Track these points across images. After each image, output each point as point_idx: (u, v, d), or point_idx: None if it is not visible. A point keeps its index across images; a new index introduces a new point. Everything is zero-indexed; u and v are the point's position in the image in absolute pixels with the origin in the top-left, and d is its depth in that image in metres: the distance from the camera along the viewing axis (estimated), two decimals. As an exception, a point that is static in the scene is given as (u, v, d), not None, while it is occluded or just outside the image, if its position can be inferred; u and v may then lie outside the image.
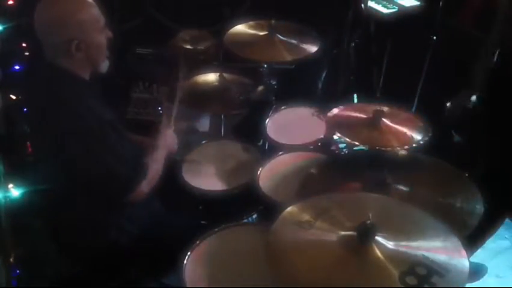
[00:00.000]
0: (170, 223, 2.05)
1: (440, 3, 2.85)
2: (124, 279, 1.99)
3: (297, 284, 1.29)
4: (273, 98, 2.54)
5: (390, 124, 1.88)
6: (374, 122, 1.89)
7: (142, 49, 3.67)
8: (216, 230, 1.84)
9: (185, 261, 1.70)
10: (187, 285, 1.64)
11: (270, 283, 1.48)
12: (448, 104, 2.73)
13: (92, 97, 1.83)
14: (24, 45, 3.02)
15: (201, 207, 2.24)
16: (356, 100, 3.30)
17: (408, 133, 1.80)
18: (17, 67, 3.01)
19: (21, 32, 2.77)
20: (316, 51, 2.40)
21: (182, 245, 1.75)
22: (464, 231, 1.54)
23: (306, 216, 1.43)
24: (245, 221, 2.19)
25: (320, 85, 3.55)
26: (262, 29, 2.48)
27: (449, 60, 3.00)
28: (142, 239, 1.96)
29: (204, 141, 2.46)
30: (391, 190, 1.75)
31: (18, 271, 2.32)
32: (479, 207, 1.68)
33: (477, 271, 2.37)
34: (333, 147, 2.23)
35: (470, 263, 1.29)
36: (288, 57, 2.37)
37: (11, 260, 2.25)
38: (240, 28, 2.56)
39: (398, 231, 1.36)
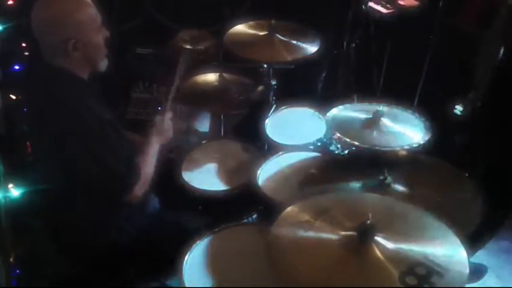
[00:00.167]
0: (170, 223, 2.05)
1: (440, 3, 2.85)
2: (124, 279, 1.99)
3: (297, 284, 1.29)
4: (273, 98, 2.54)
5: (390, 124, 1.88)
6: (374, 122, 1.89)
7: (142, 49, 3.68)
8: (216, 230, 1.84)
9: (185, 261, 1.70)
10: (187, 286, 1.64)
11: (270, 283, 1.48)
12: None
13: (91, 97, 1.83)
14: (24, 45, 3.02)
15: (200, 207, 2.24)
16: (356, 100, 3.29)
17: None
18: (17, 67, 3.00)
19: (21, 32, 2.76)
20: (316, 51, 2.40)
21: (182, 245, 1.75)
22: (464, 231, 1.54)
23: (306, 216, 1.43)
24: (245, 221, 2.19)
25: (320, 85, 3.55)
26: (262, 29, 2.48)
27: (449, 60, 3.01)
28: (142, 239, 1.96)
29: (204, 141, 2.46)
30: (391, 190, 1.75)
31: (18, 271, 2.32)
32: (479, 207, 1.68)
33: (477, 271, 2.37)
34: (333, 147, 2.23)
35: (470, 263, 1.29)
36: (288, 57, 2.37)
37: (11, 260, 2.25)
38: (240, 28, 2.55)
39: (398, 231, 1.36)
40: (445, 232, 1.37)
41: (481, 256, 2.37)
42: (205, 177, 2.21)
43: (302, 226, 1.40)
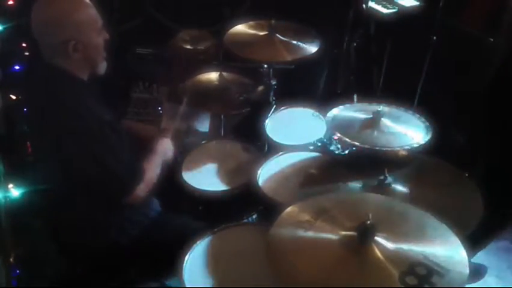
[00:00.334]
0: (170, 223, 2.05)
1: (440, 3, 2.85)
2: (124, 279, 1.99)
3: (297, 284, 1.29)
4: (273, 98, 2.54)
5: (390, 124, 1.88)
6: (374, 122, 1.89)
7: (142, 49, 3.67)
8: (216, 230, 1.84)
9: (185, 262, 1.70)
10: (187, 286, 1.64)
11: (270, 283, 1.48)
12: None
13: (90, 97, 1.83)
14: (24, 45, 3.02)
15: (201, 208, 2.24)
16: (356, 100, 3.29)
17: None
18: (17, 67, 3.01)
19: (21, 32, 2.77)
20: (317, 51, 2.40)
21: (182, 245, 1.75)
22: (464, 231, 1.54)
23: (306, 216, 1.43)
24: (245, 221, 2.19)
25: (320, 85, 3.55)
26: (262, 29, 2.47)
27: (449, 60, 3.01)
28: (142, 239, 1.96)
29: (204, 141, 2.46)
30: (391, 190, 1.75)
31: (18, 271, 2.32)
32: (479, 208, 1.68)
33: (477, 271, 2.36)
34: (333, 147, 2.23)
35: (470, 263, 1.29)
36: (288, 57, 2.37)
37: (11, 260, 2.25)
38: (240, 28, 2.55)
39: (398, 231, 1.36)
40: (445, 232, 1.37)
41: (481, 256, 2.37)
42: (205, 177, 2.21)
43: (302, 226, 1.40)
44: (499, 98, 2.69)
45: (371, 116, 1.91)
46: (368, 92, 3.27)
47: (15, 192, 2.37)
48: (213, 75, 2.72)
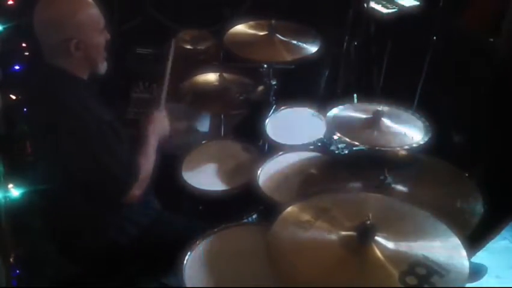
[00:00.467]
0: (170, 223, 2.05)
1: (440, 3, 2.85)
2: (124, 279, 1.99)
3: (297, 284, 1.29)
4: (273, 98, 2.54)
5: (390, 124, 1.88)
6: (374, 122, 1.89)
7: (142, 49, 3.67)
8: (216, 230, 1.84)
9: (185, 261, 1.70)
10: (187, 286, 1.64)
11: (270, 283, 1.48)
12: None
13: (90, 97, 1.83)
14: (24, 45, 3.02)
15: (201, 207, 2.24)
16: (356, 100, 3.30)
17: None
18: (17, 67, 3.01)
19: (21, 32, 2.77)
20: (317, 51, 2.40)
21: (182, 245, 1.75)
22: (464, 231, 1.54)
23: (306, 216, 1.43)
24: (245, 221, 2.19)
25: (320, 85, 3.55)
26: (262, 29, 2.48)
27: (449, 60, 3.01)
28: (142, 239, 1.96)
29: (204, 141, 2.46)
30: (391, 190, 1.75)
31: (18, 271, 2.32)
32: (479, 207, 1.68)
33: (477, 271, 2.36)
34: (333, 147, 2.23)
35: (470, 263, 1.29)
36: (288, 57, 2.37)
37: (11, 260, 2.25)
38: (240, 28, 2.55)
39: (398, 231, 1.36)
40: (445, 232, 1.37)
41: (481, 256, 2.37)
42: (205, 177, 2.21)
43: (302, 226, 1.40)
44: (499, 98, 2.69)
45: (371, 116, 1.91)
46: (368, 92, 3.27)
47: (15, 192, 2.36)
48: (213, 75, 2.72)
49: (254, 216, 2.24)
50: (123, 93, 3.38)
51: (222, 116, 2.90)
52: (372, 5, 3.06)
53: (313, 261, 1.33)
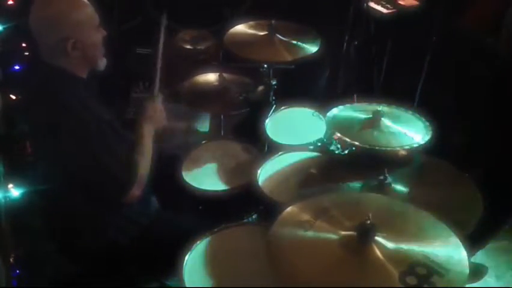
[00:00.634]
0: (170, 223, 2.05)
1: (440, 3, 2.85)
2: (124, 279, 1.99)
3: (297, 284, 1.29)
4: (273, 98, 2.54)
5: (390, 124, 1.88)
6: (374, 122, 1.89)
7: (142, 49, 3.67)
8: (216, 230, 1.84)
9: (185, 261, 1.70)
10: (187, 285, 1.64)
11: (270, 283, 1.48)
12: None
13: (89, 96, 1.83)
14: (24, 45, 3.02)
15: (201, 207, 2.24)
16: (356, 100, 3.30)
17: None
18: (17, 67, 3.01)
19: (21, 32, 2.76)
20: (317, 51, 2.40)
21: (182, 245, 1.75)
22: (464, 231, 1.54)
23: (306, 216, 1.43)
24: (245, 221, 2.18)
25: (320, 85, 3.55)
26: (262, 29, 2.47)
27: (449, 60, 3.01)
28: (142, 239, 1.96)
29: (204, 141, 2.46)
30: (391, 190, 1.75)
31: (18, 271, 2.32)
32: (479, 207, 1.68)
33: (477, 271, 2.36)
34: (333, 147, 2.23)
35: (470, 263, 1.29)
36: (288, 57, 2.37)
37: (11, 260, 2.25)
38: (240, 28, 2.55)
39: (398, 231, 1.36)
40: (445, 232, 1.37)
41: (481, 256, 2.37)
42: (205, 177, 2.21)
43: (302, 226, 1.40)
44: (499, 98, 2.69)
45: (371, 116, 1.91)
46: (368, 92, 3.28)
47: (15, 192, 2.37)
48: (212, 75, 2.72)
49: (254, 216, 2.24)
50: (123, 93, 3.38)
51: (222, 116, 2.90)
52: (372, 4, 3.06)
53: (313, 261, 1.33)
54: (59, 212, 1.95)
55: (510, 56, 2.66)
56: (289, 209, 1.48)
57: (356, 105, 2.14)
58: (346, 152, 2.12)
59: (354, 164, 1.96)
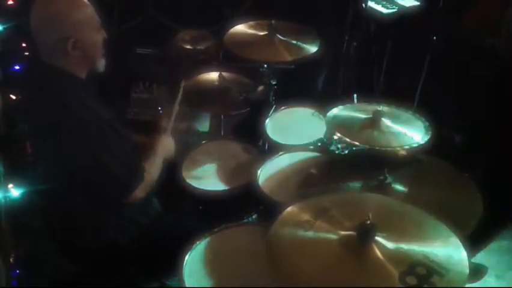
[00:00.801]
0: (170, 223, 2.05)
1: (440, 3, 2.85)
2: (124, 279, 1.99)
3: (297, 284, 1.29)
4: (273, 98, 2.54)
5: (390, 124, 1.88)
6: (374, 122, 1.89)
7: (142, 49, 3.67)
8: (216, 230, 1.84)
9: (185, 261, 1.70)
10: (187, 285, 1.64)
11: (270, 283, 1.48)
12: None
13: (89, 96, 1.83)
14: (24, 45, 3.02)
15: (201, 207, 2.24)
16: (356, 100, 3.30)
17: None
18: (17, 67, 3.01)
19: (21, 32, 2.77)
20: (317, 51, 2.40)
21: (182, 245, 1.75)
22: (464, 231, 1.54)
23: (306, 216, 1.43)
24: (245, 221, 2.19)
25: (320, 85, 3.55)
26: (262, 29, 2.48)
27: (449, 60, 3.01)
28: (142, 239, 1.96)
29: (204, 141, 2.46)
30: (391, 190, 1.75)
31: (18, 271, 2.32)
32: (479, 207, 1.68)
33: (477, 271, 2.36)
34: (333, 147, 2.23)
35: (470, 263, 1.29)
36: (288, 57, 2.37)
37: (11, 260, 2.25)
38: (240, 28, 2.55)
39: (398, 231, 1.36)
40: (445, 232, 1.37)
41: (481, 256, 2.37)
42: (205, 177, 2.21)
43: (302, 226, 1.40)
44: (499, 98, 2.69)
45: (371, 116, 1.91)
46: (368, 92, 3.28)
47: (15, 192, 2.37)
48: (212, 75, 2.72)
49: (254, 216, 2.24)
50: (123, 93, 3.38)
51: (222, 116, 2.90)
52: (372, 5, 3.06)
53: (313, 261, 1.33)
54: (59, 212, 1.95)
55: (510, 56, 2.66)
56: (289, 209, 1.48)
57: (356, 105, 2.14)
58: (346, 152, 2.13)
59: (354, 164, 1.96)
